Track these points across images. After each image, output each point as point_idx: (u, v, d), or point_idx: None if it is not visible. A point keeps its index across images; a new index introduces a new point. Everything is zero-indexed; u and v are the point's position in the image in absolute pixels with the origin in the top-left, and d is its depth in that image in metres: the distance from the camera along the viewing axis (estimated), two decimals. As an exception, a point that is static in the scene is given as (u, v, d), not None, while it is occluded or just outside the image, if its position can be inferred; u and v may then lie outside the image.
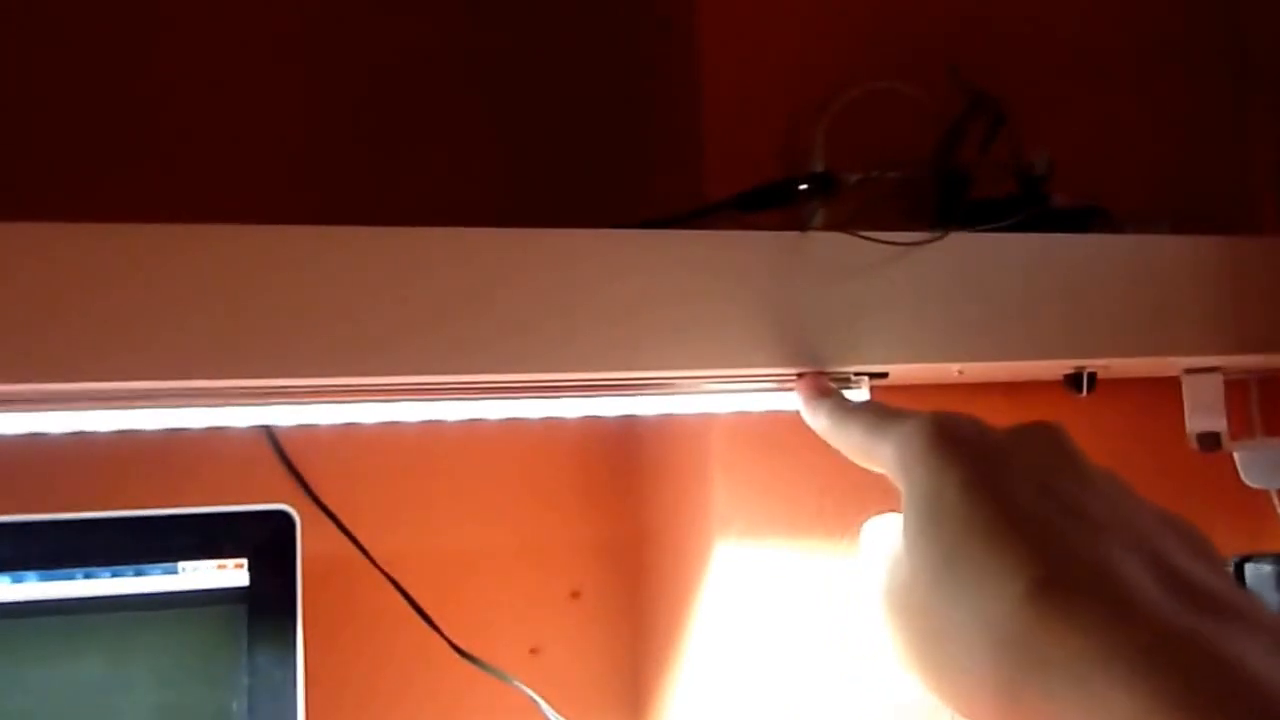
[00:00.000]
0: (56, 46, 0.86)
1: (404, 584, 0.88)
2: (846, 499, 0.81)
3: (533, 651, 0.94)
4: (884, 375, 0.66)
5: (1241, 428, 0.83)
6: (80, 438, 0.82)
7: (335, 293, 0.54)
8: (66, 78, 0.86)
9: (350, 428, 0.89)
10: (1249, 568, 0.65)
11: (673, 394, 0.64)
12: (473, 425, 0.92)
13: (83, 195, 0.84)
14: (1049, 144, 0.71)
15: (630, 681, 0.95)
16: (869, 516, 0.81)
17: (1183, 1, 0.88)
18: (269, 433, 0.88)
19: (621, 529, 0.96)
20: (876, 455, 0.48)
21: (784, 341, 0.60)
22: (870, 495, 0.81)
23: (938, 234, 0.62)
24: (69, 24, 0.87)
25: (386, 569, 0.89)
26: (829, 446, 0.79)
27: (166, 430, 0.83)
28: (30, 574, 0.71)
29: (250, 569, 0.75)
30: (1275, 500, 0.86)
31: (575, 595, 0.96)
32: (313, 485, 0.89)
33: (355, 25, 0.92)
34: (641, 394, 0.63)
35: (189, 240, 0.53)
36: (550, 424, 0.95)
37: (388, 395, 0.60)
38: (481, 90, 0.94)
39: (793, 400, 0.60)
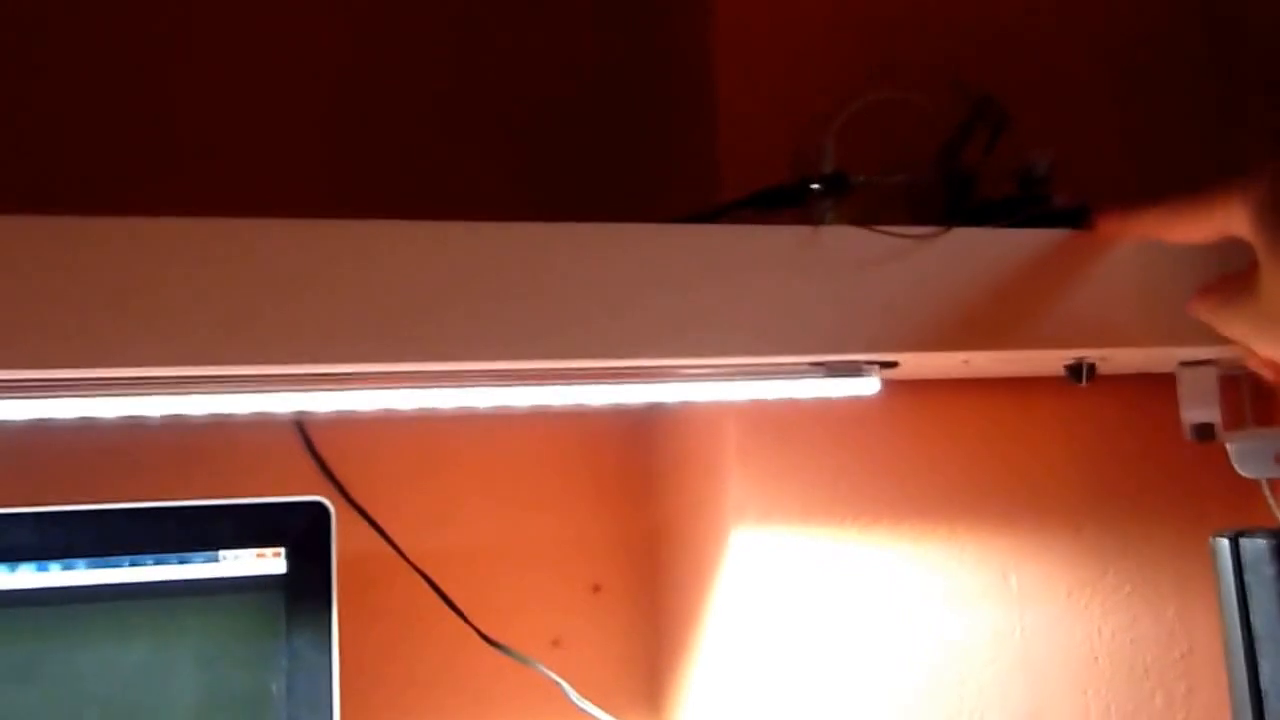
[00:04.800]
0: (88, 58, 0.87)
1: (432, 576, 0.88)
2: (859, 484, 0.81)
3: (555, 643, 0.93)
4: (894, 364, 0.66)
5: (1233, 420, 0.83)
6: (130, 433, 0.83)
7: (375, 283, 0.54)
8: (97, 87, 0.87)
9: (382, 429, 0.89)
10: (1244, 542, 0.65)
11: (693, 381, 0.64)
12: (497, 426, 0.93)
13: (116, 196, 0.85)
14: (1049, 146, 0.71)
15: (649, 672, 0.95)
16: (879, 501, 0.82)
17: (1178, 5, 0.89)
18: (304, 436, 0.88)
19: (639, 525, 0.96)
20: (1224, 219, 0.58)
21: (799, 330, 0.60)
22: (879, 480, 0.82)
23: (945, 228, 0.62)
24: (97, 38, 0.88)
25: (416, 562, 0.88)
26: (842, 433, 0.79)
27: (212, 422, 0.84)
28: (79, 561, 0.72)
29: (288, 557, 0.75)
30: (1265, 489, 0.86)
31: (596, 589, 0.96)
32: (346, 483, 0.89)
33: (379, 33, 0.93)
34: (664, 381, 0.63)
35: (231, 233, 0.53)
36: (571, 425, 0.95)
37: (422, 382, 0.60)
38: (508, 102, 0.95)
39: (826, 386, 0.62)
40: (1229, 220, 0.57)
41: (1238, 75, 0.88)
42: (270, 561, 0.74)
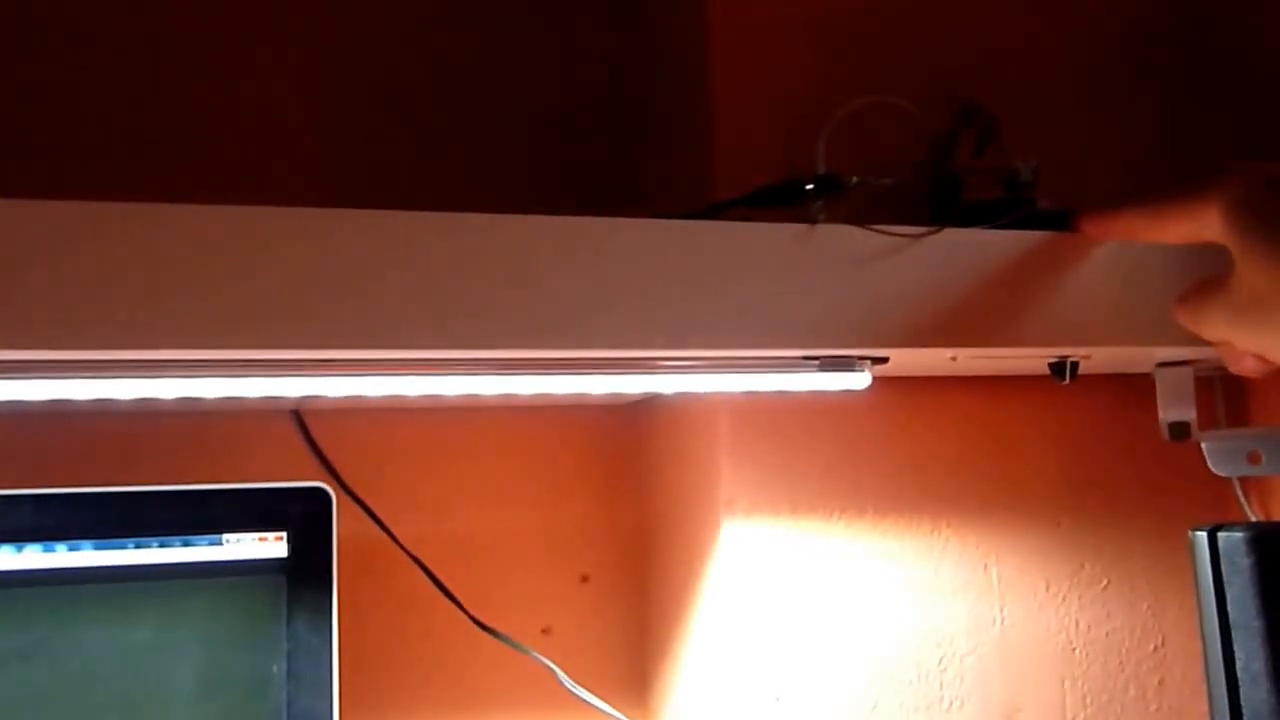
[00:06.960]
0: (99, 54, 0.87)
1: (427, 564, 0.89)
2: (847, 478, 0.82)
3: (544, 631, 0.94)
4: (885, 360, 0.67)
5: (1208, 420, 0.84)
6: (136, 421, 0.83)
7: (379, 272, 0.55)
8: (104, 86, 0.87)
9: (378, 420, 0.90)
10: (1222, 535, 0.67)
11: (688, 373, 0.64)
12: (487, 418, 0.94)
13: (127, 185, 0.85)
14: (1034, 152, 0.72)
15: (637, 660, 0.96)
16: (866, 495, 0.82)
17: (1161, 16, 0.90)
18: (302, 426, 0.88)
19: (628, 516, 0.97)
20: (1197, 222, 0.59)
21: (793, 324, 0.60)
22: (866, 474, 0.82)
23: (937, 228, 0.62)
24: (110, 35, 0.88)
25: (410, 549, 0.89)
26: (832, 428, 0.80)
27: (215, 411, 0.84)
28: (85, 543, 0.72)
29: (289, 542, 0.75)
30: (1237, 487, 0.87)
31: (585, 579, 0.96)
32: (343, 472, 0.89)
33: (380, 31, 0.94)
34: (659, 372, 0.64)
35: (241, 221, 0.54)
36: (563, 417, 0.96)
37: (422, 369, 0.60)
38: (506, 101, 0.95)
39: (819, 380, 0.62)
40: (1203, 223, 0.58)
41: (1215, 84, 0.89)
42: (272, 545, 0.75)
